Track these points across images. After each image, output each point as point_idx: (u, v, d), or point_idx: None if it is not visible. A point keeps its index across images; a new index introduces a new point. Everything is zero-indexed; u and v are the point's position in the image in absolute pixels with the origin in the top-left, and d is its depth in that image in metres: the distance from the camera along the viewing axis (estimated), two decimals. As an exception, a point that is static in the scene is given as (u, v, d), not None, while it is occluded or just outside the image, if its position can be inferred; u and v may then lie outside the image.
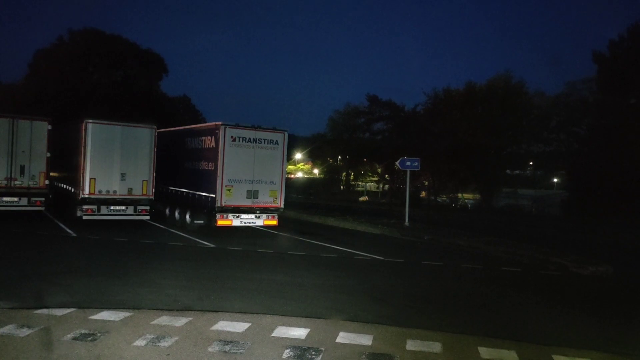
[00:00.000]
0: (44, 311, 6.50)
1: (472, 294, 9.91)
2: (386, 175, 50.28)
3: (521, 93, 41.04)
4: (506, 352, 5.97)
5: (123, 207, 15.96)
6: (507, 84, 41.17)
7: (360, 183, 61.40)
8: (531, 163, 47.57)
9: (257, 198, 15.35)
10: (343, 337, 6.09)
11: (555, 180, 54.17)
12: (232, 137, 14.98)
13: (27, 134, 16.36)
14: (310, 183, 60.83)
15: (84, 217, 15.47)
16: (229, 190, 14.90)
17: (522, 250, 14.96)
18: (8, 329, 5.73)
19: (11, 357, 5.01)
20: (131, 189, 15.95)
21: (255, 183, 15.30)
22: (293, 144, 53.89)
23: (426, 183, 47.29)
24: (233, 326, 6.29)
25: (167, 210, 18.30)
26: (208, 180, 15.34)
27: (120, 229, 15.40)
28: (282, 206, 15.89)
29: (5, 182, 16.06)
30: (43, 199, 16.76)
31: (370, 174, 56.23)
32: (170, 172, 17.95)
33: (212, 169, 15.13)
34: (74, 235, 14.25)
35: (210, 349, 5.48)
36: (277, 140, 15.65)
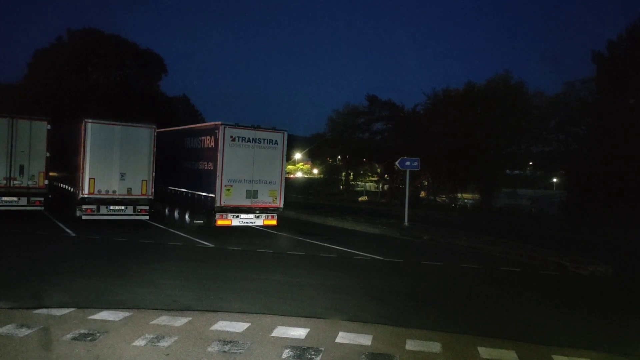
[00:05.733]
0: (43, 311, 6.49)
1: (472, 294, 9.92)
2: (386, 175, 50.21)
3: (520, 93, 41.02)
4: (506, 352, 5.97)
5: (122, 207, 15.97)
6: (506, 84, 41.16)
7: (359, 183, 61.24)
8: (530, 163, 47.52)
9: (257, 198, 15.36)
10: (342, 337, 6.09)
11: (554, 180, 54.15)
12: (231, 136, 14.99)
13: (27, 133, 16.36)
14: (310, 183, 60.68)
15: (84, 217, 15.48)
16: (228, 190, 14.91)
17: (521, 250, 14.97)
18: (7, 328, 5.73)
19: (10, 357, 5.00)
20: (130, 188, 15.95)
21: (255, 183, 15.31)
22: (292, 144, 53.87)
23: (425, 183, 47.27)
24: (232, 326, 6.29)
25: (166, 210, 18.30)
26: (207, 180, 15.34)
27: (119, 229, 15.39)
28: (282, 206, 15.91)
29: (4, 182, 16.05)
30: (42, 198, 16.76)
31: (369, 174, 56.12)
32: (169, 172, 17.95)
33: (212, 168, 15.13)
34: (73, 235, 14.24)
35: (209, 349, 5.47)
36: (276, 140, 15.66)
